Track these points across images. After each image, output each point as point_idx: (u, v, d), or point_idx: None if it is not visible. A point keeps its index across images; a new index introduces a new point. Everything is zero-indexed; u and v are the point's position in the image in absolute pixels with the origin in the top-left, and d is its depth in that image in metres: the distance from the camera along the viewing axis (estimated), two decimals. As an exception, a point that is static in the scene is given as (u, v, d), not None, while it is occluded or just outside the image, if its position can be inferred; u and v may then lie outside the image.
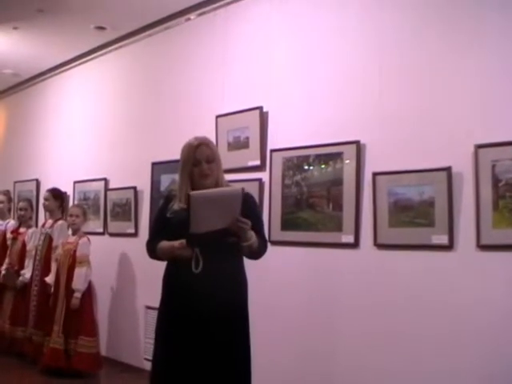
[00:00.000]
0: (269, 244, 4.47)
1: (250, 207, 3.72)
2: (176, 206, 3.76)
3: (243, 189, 3.64)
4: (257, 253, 3.74)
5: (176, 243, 3.60)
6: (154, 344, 3.86)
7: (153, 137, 6.94)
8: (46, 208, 7.52)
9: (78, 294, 6.46)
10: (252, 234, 3.61)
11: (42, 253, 7.22)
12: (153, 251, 3.87)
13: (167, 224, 3.78)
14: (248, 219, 3.55)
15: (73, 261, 6.60)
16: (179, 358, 3.64)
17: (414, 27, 4.58)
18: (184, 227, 3.48)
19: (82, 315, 6.51)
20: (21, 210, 7.88)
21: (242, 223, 3.51)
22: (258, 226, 3.74)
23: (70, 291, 6.51)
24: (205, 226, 3.46)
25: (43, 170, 9.00)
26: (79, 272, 6.53)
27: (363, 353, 4.67)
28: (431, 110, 4.41)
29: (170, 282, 3.83)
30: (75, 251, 6.64)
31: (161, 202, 4.15)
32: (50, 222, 7.37)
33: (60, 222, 7.18)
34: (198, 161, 3.75)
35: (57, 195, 7.45)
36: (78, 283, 6.49)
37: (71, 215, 6.85)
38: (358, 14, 4.98)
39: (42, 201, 8.01)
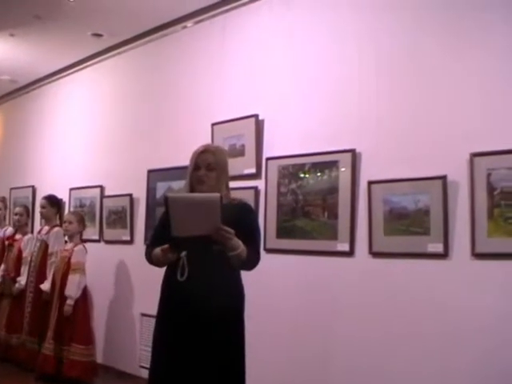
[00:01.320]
0: (264, 252, 4.49)
1: (244, 218, 3.71)
2: None
3: (243, 204, 3.73)
4: (246, 263, 3.65)
5: (163, 247, 3.61)
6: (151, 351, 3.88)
7: (149, 144, 6.93)
8: (42, 215, 7.51)
9: (70, 301, 6.44)
10: (239, 244, 3.52)
11: (37, 259, 7.20)
12: (149, 257, 3.89)
13: (165, 230, 3.77)
14: (240, 229, 3.52)
15: (67, 268, 6.59)
16: (168, 364, 3.64)
17: (411, 36, 4.59)
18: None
19: (75, 322, 6.47)
20: (16, 214, 7.88)
21: (224, 232, 3.46)
22: (250, 238, 3.65)
23: (63, 298, 6.49)
24: (185, 229, 3.43)
25: (39, 176, 8.98)
26: (72, 279, 6.51)
27: (358, 361, 4.67)
28: (427, 119, 4.42)
29: (162, 289, 3.84)
30: (70, 258, 6.63)
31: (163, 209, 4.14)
32: (46, 228, 7.36)
33: (56, 229, 7.17)
34: (198, 166, 3.76)
35: (54, 202, 7.46)
36: (71, 290, 6.47)
37: (65, 222, 6.86)
38: (353, 24, 4.99)
39: (38, 208, 8.00)
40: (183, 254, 3.62)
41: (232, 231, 3.46)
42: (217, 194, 3.45)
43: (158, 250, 3.71)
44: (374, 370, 4.56)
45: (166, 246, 3.57)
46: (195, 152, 3.82)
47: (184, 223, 3.42)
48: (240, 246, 3.52)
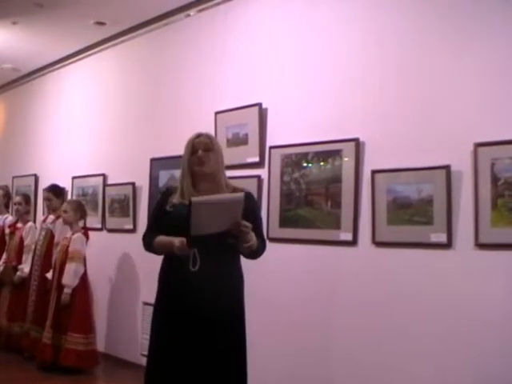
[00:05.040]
0: (267, 241, 4.48)
1: (250, 207, 3.71)
2: (176, 199, 3.77)
3: (247, 193, 3.72)
4: (256, 253, 3.75)
5: (176, 241, 3.56)
6: (149, 340, 3.86)
7: (152, 133, 6.93)
8: (50, 207, 7.43)
9: (67, 290, 6.44)
10: (252, 236, 3.60)
11: (43, 248, 7.20)
12: (149, 245, 3.87)
13: (165, 217, 3.78)
14: (248, 219, 3.55)
15: (65, 256, 6.59)
16: (173, 354, 3.64)
17: (414, 25, 4.57)
18: (183, 221, 3.45)
19: (73, 311, 6.48)
20: (15, 204, 7.87)
21: (243, 227, 3.51)
22: (257, 227, 3.74)
23: (61, 287, 6.50)
24: (205, 229, 3.45)
25: (42, 165, 8.99)
26: (68, 268, 6.50)
27: (360, 350, 4.67)
28: (430, 108, 4.40)
29: (165, 279, 3.82)
30: (68, 247, 6.64)
31: (159, 195, 4.14)
32: (51, 217, 7.34)
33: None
34: (195, 149, 3.78)
35: (58, 193, 7.43)
36: (67, 279, 6.47)
37: (62, 211, 6.85)
38: (358, 12, 4.98)
39: (40, 196, 8.00)
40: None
41: (250, 225, 3.54)
42: (241, 194, 3.51)
43: (163, 239, 3.72)
44: (375, 361, 4.56)
45: (179, 240, 3.55)
46: (190, 138, 3.86)
47: (204, 224, 3.45)
48: (253, 238, 3.61)
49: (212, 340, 3.62)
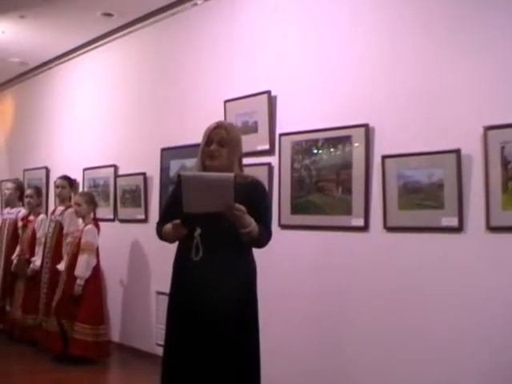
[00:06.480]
0: (278, 228, 4.49)
1: (257, 196, 3.75)
2: None
3: (255, 181, 3.78)
4: (257, 241, 3.70)
5: (174, 222, 3.63)
6: (165, 329, 3.90)
7: (161, 122, 6.95)
8: (61, 196, 7.46)
9: (79, 281, 6.51)
10: (251, 221, 3.57)
11: (53, 240, 7.25)
12: (160, 233, 3.94)
13: (176, 207, 3.81)
14: (253, 207, 3.56)
15: (78, 248, 6.65)
16: (182, 345, 3.67)
17: (424, 10, 4.56)
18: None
19: (81, 302, 6.55)
20: (27, 197, 7.91)
21: (236, 210, 3.49)
22: (261, 215, 3.72)
23: (72, 278, 6.56)
24: (197, 207, 3.47)
25: (52, 157, 9.03)
26: (80, 259, 6.56)
27: (373, 336, 4.68)
28: (440, 93, 4.39)
29: (174, 269, 3.87)
30: (80, 238, 6.68)
31: (172, 186, 4.16)
32: (60, 209, 7.38)
33: (70, 210, 7.15)
34: (210, 141, 3.77)
35: (71, 183, 7.49)
36: (79, 270, 6.53)
37: (74, 204, 6.90)
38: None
39: (51, 189, 8.01)
40: (197, 233, 3.65)
41: (243, 208, 3.51)
42: (231, 174, 3.49)
43: (168, 226, 3.75)
44: (386, 346, 4.57)
45: (177, 221, 3.60)
46: (208, 128, 3.83)
47: (196, 201, 3.46)
48: (251, 224, 3.57)
49: (217, 333, 3.61)
